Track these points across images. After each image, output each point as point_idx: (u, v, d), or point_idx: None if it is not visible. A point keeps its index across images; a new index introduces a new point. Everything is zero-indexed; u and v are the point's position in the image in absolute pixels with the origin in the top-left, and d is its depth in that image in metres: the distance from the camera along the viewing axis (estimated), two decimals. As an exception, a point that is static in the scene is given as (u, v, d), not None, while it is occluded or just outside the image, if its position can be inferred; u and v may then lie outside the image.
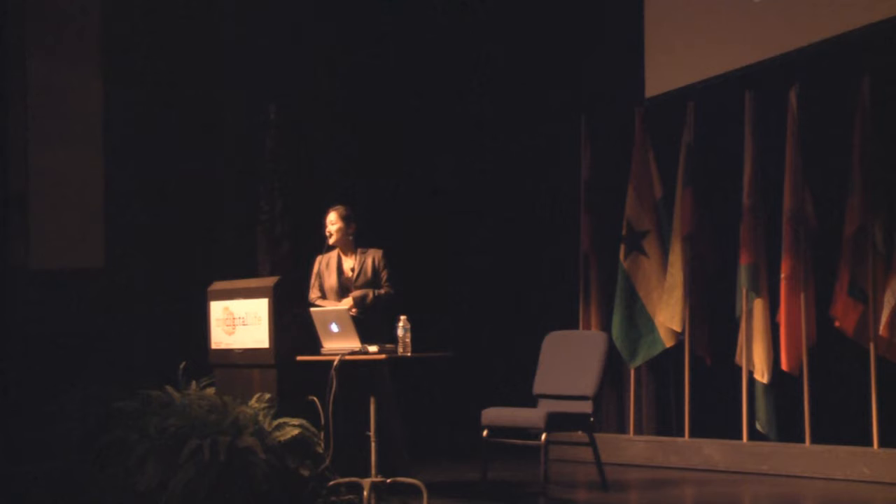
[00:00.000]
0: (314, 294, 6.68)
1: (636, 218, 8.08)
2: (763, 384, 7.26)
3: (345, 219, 6.62)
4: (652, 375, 8.26)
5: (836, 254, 6.95)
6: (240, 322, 6.33)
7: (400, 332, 5.90)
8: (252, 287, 6.35)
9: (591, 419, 6.64)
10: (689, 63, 7.97)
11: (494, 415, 6.66)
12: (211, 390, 6.25)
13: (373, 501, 5.87)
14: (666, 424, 8.18)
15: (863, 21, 6.87)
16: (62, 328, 7.87)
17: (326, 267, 6.67)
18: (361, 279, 6.57)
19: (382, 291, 6.56)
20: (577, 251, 8.46)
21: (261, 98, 8.43)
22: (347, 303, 6.49)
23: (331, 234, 6.59)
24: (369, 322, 6.44)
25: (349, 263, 6.64)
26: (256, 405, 5.94)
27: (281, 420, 5.85)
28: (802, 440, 7.12)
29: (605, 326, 8.17)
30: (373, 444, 5.95)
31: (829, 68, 7.30)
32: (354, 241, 6.65)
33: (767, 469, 7.23)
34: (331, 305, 6.51)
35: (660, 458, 7.84)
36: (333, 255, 6.68)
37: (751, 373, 7.36)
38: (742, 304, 7.40)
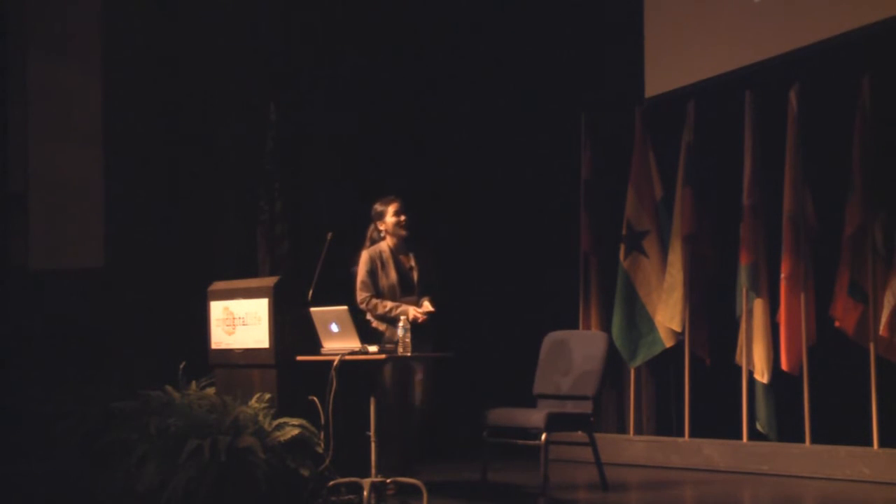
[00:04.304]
0: (365, 293, 6.41)
1: (636, 218, 8.08)
2: (763, 384, 7.26)
3: (406, 211, 6.47)
4: (652, 375, 8.25)
5: (836, 254, 6.95)
6: (240, 322, 6.33)
7: (400, 332, 5.90)
8: (252, 287, 6.35)
9: (591, 419, 6.63)
10: (689, 63, 7.97)
11: (494, 415, 6.66)
12: (211, 390, 6.25)
13: (373, 501, 5.87)
14: (666, 424, 8.18)
15: (863, 21, 6.87)
16: (62, 328, 7.87)
17: (382, 266, 6.46)
18: (422, 277, 6.46)
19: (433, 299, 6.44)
20: (577, 251, 8.46)
21: (261, 98, 8.43)
22: (426, 307, 6.35)
23: (401, 225, 6.42)
24: (422, 326, 6.36)
25: (407, 261, 6.50)
26: (256, 405, 5.94)
27: (281, 420, 5.85)
28: (802, 440, 7.12)
29: (605, 326, 8.16)
30: (373, 444, 5.95)
31: (829, 68, 7.30)
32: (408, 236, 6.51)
33: (767, 469, 7.23)
34: (390, 305, 6.36)
35: (660, 458, 7.84)
36: (385, 251, 6.48)
37: (751, 373, 7.36)
38: (742, 304, 7.40)
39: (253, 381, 6.21)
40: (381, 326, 6.45)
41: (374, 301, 6.39)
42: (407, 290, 6.45)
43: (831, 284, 6.96)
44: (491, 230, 9.33)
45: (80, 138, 8.25)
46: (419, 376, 6.49)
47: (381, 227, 6.50)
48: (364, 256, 6.47)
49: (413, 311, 6.32)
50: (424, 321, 6.33)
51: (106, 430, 5.94)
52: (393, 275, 6.43)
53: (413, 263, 6.49)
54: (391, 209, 6.45)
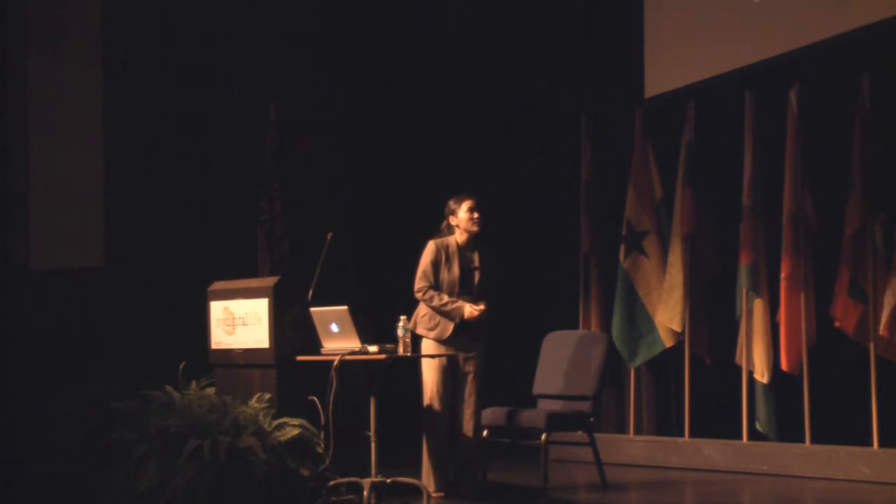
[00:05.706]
0: (423, 283, 6.33)
1: (636, 218, 8.08)
2: (763, 384, 7.26)
3: (480, 209, 6.42)
4: (652, 375, 8.25)
5: (836, 254, 6.95)
6: (240, 322, 6.33)
7: (400, 332, 5.89)
8: (252, 287, 6.35)
9: (591, 419, 6.64)
10: (689, 63, 7.96)
11: (494, 415, 6.66)
12: (211, 390, 6.25)
13: (373, 501, 5.87)
14: (666, 424, 8.18)
15: (863, 21, 6.87)
16: (62, 328, 7.86)
17: (447, 259, 6.37)
18: (483, 278, 6.39)
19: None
20: (577, 251, 8.46)
21: (261, 98, 8.43)
22: (479, 307, 6.29)
23: (474, 221, 6.36)
24: (477, 323, 6.34)
25: (472, 260, 6.40)
26: (256, 405, 5.94)
27: (281, 420, 5.85)
28: (802, 440, 7.12)
29: (605, 326, 8.16)
30: (373, 444, 5.95)
31: (829, 68, 7.30)
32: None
33: (767, 469, 7.23)
34: (446, 298, 6.28)
35: (660, 458, 7.84)
36: (452, 245, 6.39)
37: (751, 373, 7.36)
38: (742, 304, 7.40)
39: (253, 381, 6.21)
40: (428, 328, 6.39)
41: (431, 292, 6.30)
42: (466, 289, 6.33)
43: (831, 284, 6.96)
44: (491, 230, 9.31)
45: (80, 138, 8.24)
46: (470, 386, 6.38)
47: (454, 223, 6.42)
48: (430, 246, 6.39)
49: (469, 308, 6.26)
50: (476, 319, 6.28)
51: (106, 430, 5.94)
52: (456, 270, 6.34)
53: (477, 264, 6.40)
54: (465, 205, 6.40)
